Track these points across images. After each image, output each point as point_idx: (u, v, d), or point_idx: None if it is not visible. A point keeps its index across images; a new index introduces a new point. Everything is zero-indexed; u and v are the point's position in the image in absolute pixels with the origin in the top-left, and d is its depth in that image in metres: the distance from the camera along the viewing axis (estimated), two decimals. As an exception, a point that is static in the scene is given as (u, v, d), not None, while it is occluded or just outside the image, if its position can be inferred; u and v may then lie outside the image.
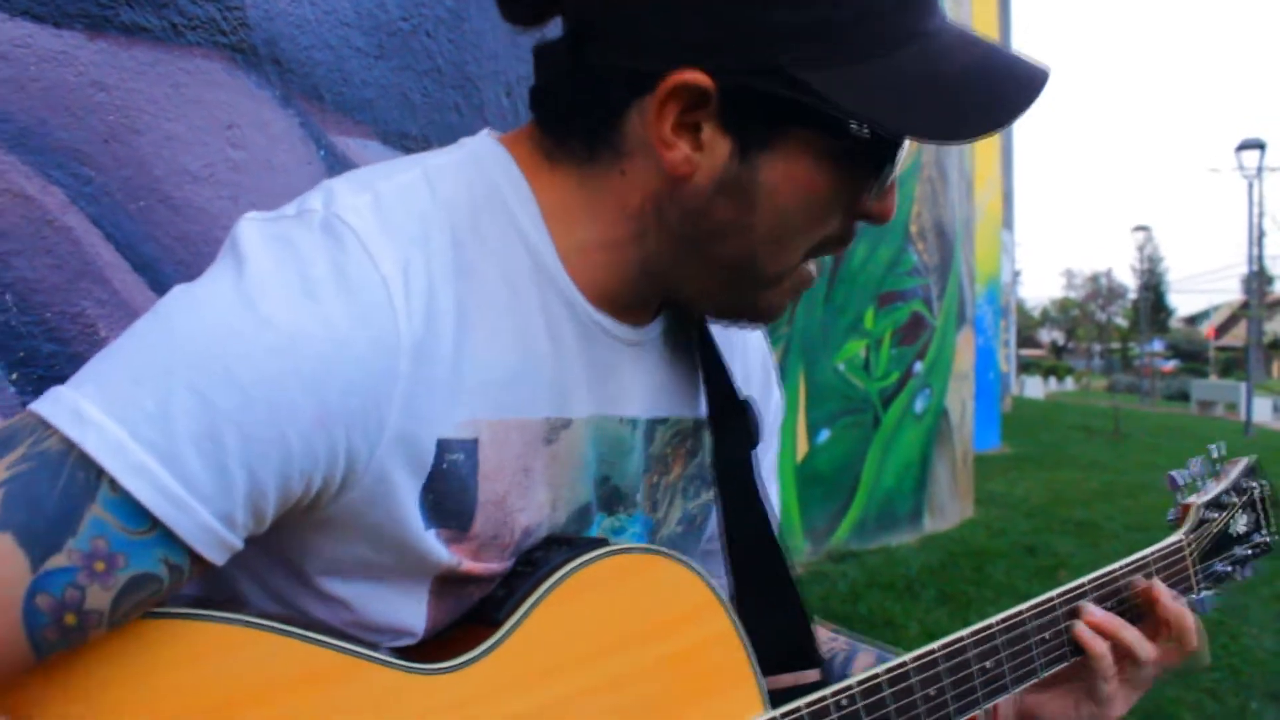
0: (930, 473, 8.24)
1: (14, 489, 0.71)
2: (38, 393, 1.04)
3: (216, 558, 0.77)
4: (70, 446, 0.72)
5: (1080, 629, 1.17)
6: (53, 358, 1.03)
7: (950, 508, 8.63)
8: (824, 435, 7.09)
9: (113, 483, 0.72)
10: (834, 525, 7.18)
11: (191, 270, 1.16)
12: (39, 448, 0.73)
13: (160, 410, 0.74)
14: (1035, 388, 42.88)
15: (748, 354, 1.20)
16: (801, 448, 6.68)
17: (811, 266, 0.98)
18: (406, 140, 1.47)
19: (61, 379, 1.04)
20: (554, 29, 1.02)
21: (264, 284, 0.79)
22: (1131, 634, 1.18)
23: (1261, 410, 24.60)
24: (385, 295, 0.81)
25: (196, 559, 0.76)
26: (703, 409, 1.11)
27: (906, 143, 0.91)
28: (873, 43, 0.85)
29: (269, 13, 1.24)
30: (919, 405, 8.04)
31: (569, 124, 0.93)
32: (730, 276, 0.95)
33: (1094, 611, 1.18)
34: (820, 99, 0.84)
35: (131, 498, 0.73)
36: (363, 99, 1.39)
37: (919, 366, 7.98)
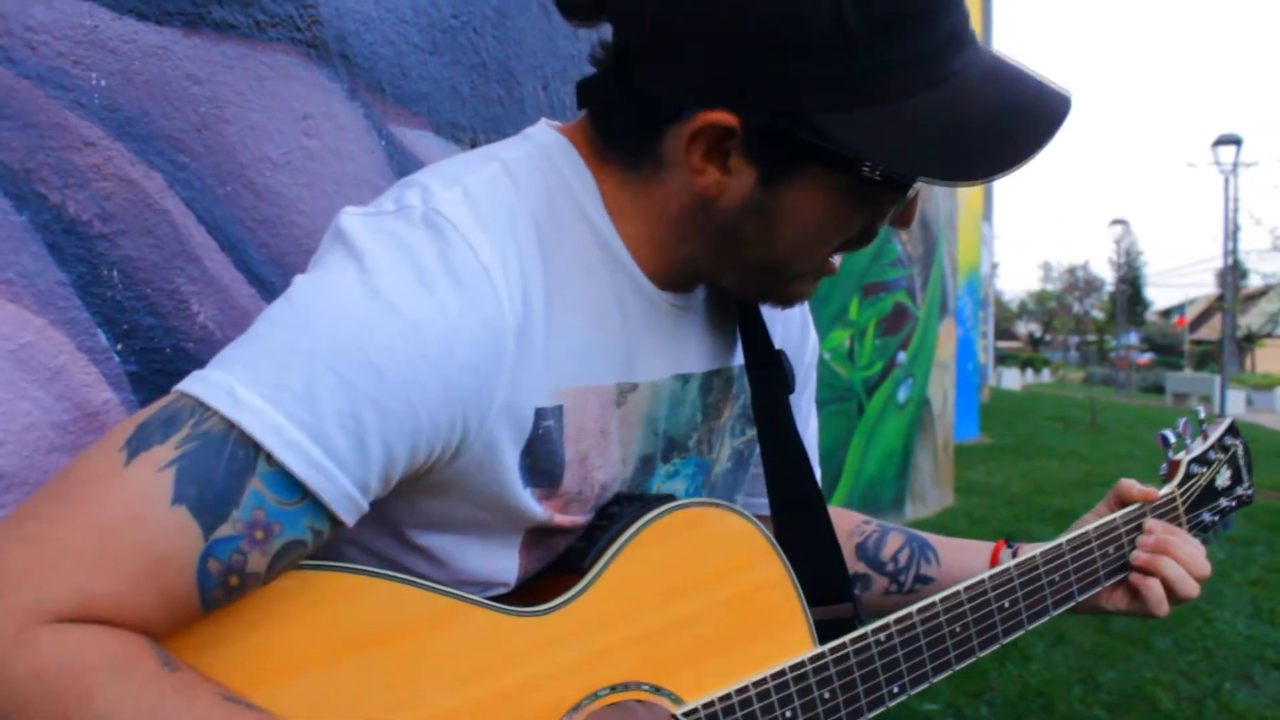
0: (912, 461, 8.35)
1: (184, 466, 0.79)
2: (140, 363, 1.12)
3: (350, 520, 0.86)
4: (230, 426, 0.80)
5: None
6: (152, 330, 1.11)
7: (931, 496, 8.75)
8: (810, 423, 7.18)
9: (269, 458, 0.80)
10: (819, 511, 7.27)
11: (272, 251, 1.24)
12: (201, 428, 0.80)
13: (307, 392, 0.82)
14: (1013, 379, 43.11)
15: None
16: (788, 434, 6.75)
17: (836, 259, 1.07)
18: (457, 130, 1.55)
19: (159, 350, 1.13)
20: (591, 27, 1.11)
21: (384, 275, 0.86)
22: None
23: (1235, 402, 24.87)
24: (489, 283, 0.90)
25: (335, 523, 0.85)
26: (740, 356, 1.21)
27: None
28: (890, 90, 0.91)
29: (338, 10, 1.32)
30: (902, 394, 8.13)
31: (614, 135, 1.01)
32: (763, 275, 1.05)
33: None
34: (836, 143, 0.92)
35: (286, 471, 0.81)
36: (419, 92, 1.47)
37: (902, 356, 8.06)
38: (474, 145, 1.58)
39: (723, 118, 0.92)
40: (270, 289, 1.24)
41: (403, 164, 1.42)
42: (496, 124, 1.62)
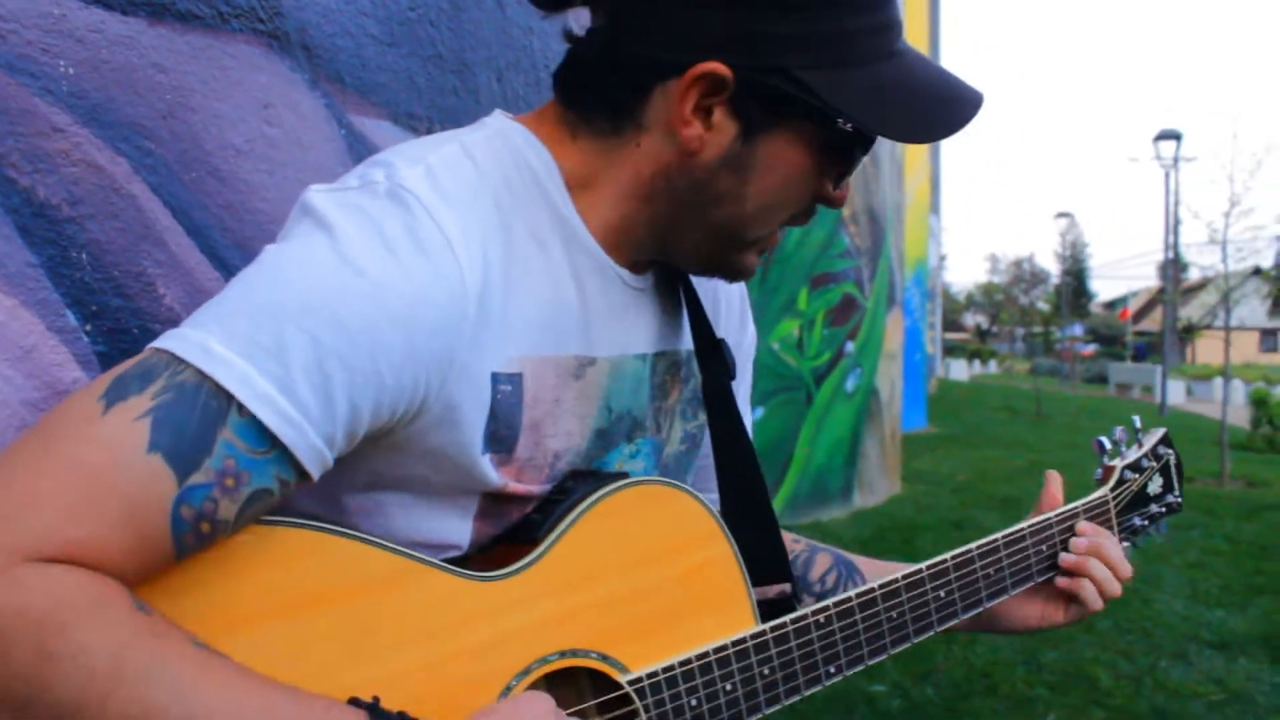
0: (860, 450, 8.46)
1: (159, 416, 0.83)
2: (109, 343, 1.15)
3: (316, 473, 0.91)
4: (203, 378, 0.85)
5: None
6: (119, 311, 1.14)
7: (879, 484, 8.87)
8: (758, 413, 7.25)
9: (241, 408, 0.85)
10: (769, 500, 7.33)
11: (236, 236, 1.28)
12: (176, 380, 0.85)
13: (277, 348, 0.86)
14: (960, 370, 43.62)
15: (730, 291, 1.36)
16: (739, 423, 6.81)
17: (779, 233, 1.15)
18: (413, 120, 1.59)
19: (127, 331, 1.17)
20: (553, 19, 1.16)
21: (352, 242, 0.92)
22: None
23: (1175, 392, 25.39)
24: (451, 252, 0.95)
25: (301, 474, 0.90)
26: (688, 341, 1.26)
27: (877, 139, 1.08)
28: (862, 55, 1.03)
29: (299, 2, 1.35)
30: (850, 384, 8.24)
31: (597, 100, 1.08)
32: (719, 239, 1.11)
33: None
34: (816, 98, 1.01)
35: (257, 421, 0.86)
36: (377, 83, 1.51)
37: (850, 346, 8.17)
38: (430, 134, 1.62)
39: (718, 68, 1.00)
40: (234, 272, 1.26)
41: (362, 152, 1.45)
42: (451, 114, 1.66)
